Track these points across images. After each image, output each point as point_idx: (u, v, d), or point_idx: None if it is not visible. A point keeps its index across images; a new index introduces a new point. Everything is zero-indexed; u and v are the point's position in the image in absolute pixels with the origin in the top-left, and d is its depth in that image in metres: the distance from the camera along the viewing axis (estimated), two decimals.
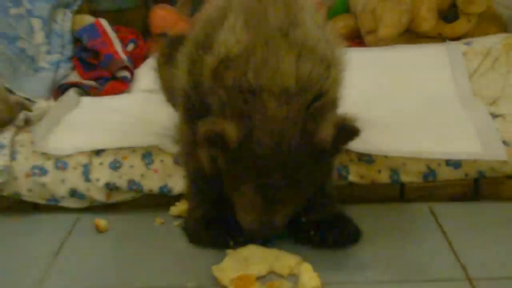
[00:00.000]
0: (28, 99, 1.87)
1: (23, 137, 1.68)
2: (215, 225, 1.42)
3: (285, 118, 1.18)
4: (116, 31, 2.21)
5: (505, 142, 1.59)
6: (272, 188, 1.20)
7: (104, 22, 2.21)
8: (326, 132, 1.18)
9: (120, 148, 1.62)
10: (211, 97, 1.26)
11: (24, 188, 1.60)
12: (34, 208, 1.63)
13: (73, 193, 1.60)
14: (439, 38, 2.19)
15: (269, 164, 1.18)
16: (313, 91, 1.21)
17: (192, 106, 1.37)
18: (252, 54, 1.23)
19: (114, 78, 2.06)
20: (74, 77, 2.10)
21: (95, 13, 2.33)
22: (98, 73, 2.08)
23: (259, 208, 1.23)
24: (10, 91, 1.85)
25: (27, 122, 1.73)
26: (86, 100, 1.92)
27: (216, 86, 1.25)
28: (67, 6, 2.28)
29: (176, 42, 1.54)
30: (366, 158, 1.59)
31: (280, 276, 1.31)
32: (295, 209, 1.28)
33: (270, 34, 1.25)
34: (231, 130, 1.17)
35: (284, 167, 1.19)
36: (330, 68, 1.26)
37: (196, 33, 1.40)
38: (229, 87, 1.22)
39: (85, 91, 2.00)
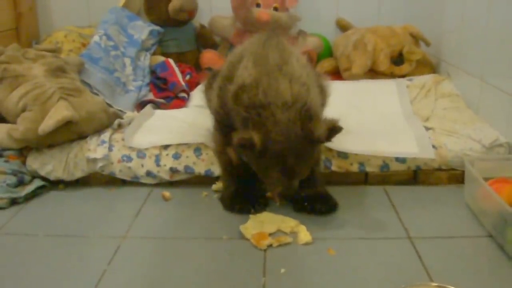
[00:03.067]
0: (121, 111, 1.84)
1: (117, 136, 1.64)
2: (241, 198, 1.39)
3: (288, 120, 1.18)
4: (179, 66, 2.18)
5: (434, 146, 1.54)
6: (290, 169, 1.20)
7: (171, 61, 2.18)
8: (321, 130, 1.18)
9: (180, 144, 1.58)
10: (233, 113, 1.26)
11: (117, 169, 1.57)
12: (123, 183, 1.59)
13: (148, 173, 1.56)
14: (391, 76, 2.15)
15: (284, 153, 1.18)
16: (301, 102, 1.20)
17: (220, 119, 1.37)
18: (259, 82, 1.22)
19: (176, 97, 2.02)
20: (151, 96, 2.07)
21: (165, 55, 2.29)
22: (166, 94, 2.05)
23: (284, 182, 1.23)
24: (110, 105, 1.82)
25: (120, 126, 1.70)
26: (158, 112, 1.88)
27: (236, 105, 1.24)
28: (147, 50, 2.25)
29: (217, 74, 1.50)
30: (343, 155, 1.54)
31: (284, 233, 1.28)
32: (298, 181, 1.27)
33: (270, 69, 1.25)
34: (256, 137, 1.16)
35: (294, 153, 1.19)
36: (310, 89, 1.26)
37: (224, 70, 1.39)
38: (246, 106, 1.21)
39: (158, 106, 1.96)
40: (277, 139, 1.17)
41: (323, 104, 1.47)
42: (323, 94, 1.46)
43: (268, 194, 1.42)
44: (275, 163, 1.20)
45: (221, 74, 1.40)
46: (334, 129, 1.20)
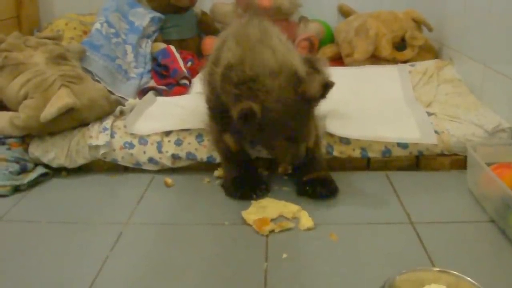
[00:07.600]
0: (123, 98, 1.82)
1: (119, 123, 1.63)
2: (242, 184, 1.38)
3: (279, 87, 1.17)
4: (180, 53, 2.16)
5: (436, 132, 1.53)
6: (294, 133, 1.22)
7: (172, 47, 2.16)
8: (315, 89, 1.19)
9: (182, 130, 1.57)
10: (224, 95, 1.25)
11: (119, 156, 1.56)
12: (125, 169, 1.58)
13: (150, 160, 1.55)
14: (393, 61, 2.13)
15: (285, 119, 1.19)
16: (288, 68, 1.20)
17: (213, 105, 1.37)
18: (244, 58, 1.21)
19: (178, 84, 2.01)
20: (152, 83, 2.05)
21: (166, 41, 2.27)
22: (168, 81, 2.03)
23: (290, 149, 1.24)
24: (111, 93, 1.81)
25: (122, 113, 1.68)
26: (160, 99, 1.87)
27: (225, 85, 1.23)
28: (148, 37, 2.23)
29: None
30: (345, 140, 1.53)
31: (286, 218, 1.27)
32: (306, 144, 1.28)
33: (252, 44, 1.24)
34: (255, 106, 1.16)
35: (293, 117, 1.19)
36: (293, 59, 1.24)
37: (212, 56, 1.38)
38: (236, 83, 1.20)
39: (159, 93, 1.95)
40: (274, 108, 1.17)
41: None
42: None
43: (280, 169, 1.45)
44: (278, 131, 1.21)
45: (209, 60, 1.39)
46: (327, 85, 1.20)
